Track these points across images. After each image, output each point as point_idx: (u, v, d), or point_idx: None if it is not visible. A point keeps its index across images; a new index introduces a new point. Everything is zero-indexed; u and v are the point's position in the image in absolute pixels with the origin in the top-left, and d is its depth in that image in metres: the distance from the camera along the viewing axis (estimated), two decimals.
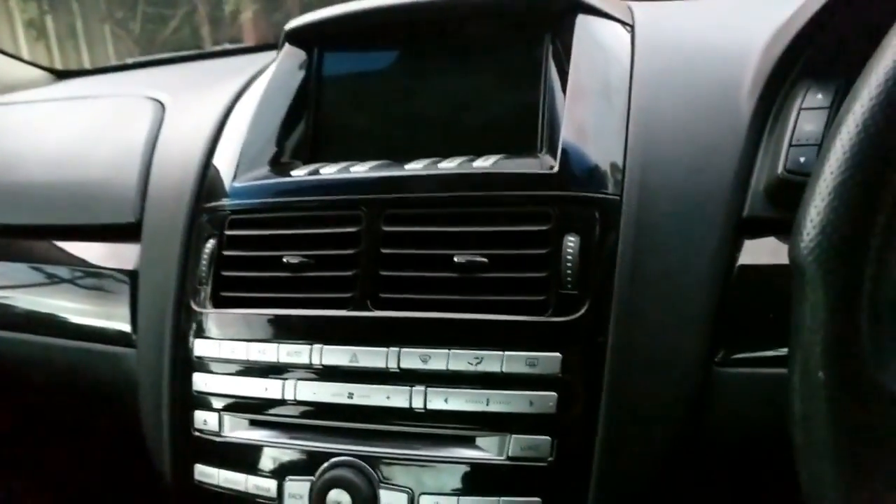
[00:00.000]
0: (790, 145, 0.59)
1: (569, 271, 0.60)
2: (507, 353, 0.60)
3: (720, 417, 0.60)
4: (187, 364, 0.71)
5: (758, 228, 0.60)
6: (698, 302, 0.60)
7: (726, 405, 0.60)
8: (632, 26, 0.72)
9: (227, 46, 1.30)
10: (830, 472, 0.40)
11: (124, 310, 0.80)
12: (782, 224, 0.54)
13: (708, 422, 0.61)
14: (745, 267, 0.60)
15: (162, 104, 0.91)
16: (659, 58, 0.69)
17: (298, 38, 0.80)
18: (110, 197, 0.84)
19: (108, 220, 0.84)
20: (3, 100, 1.14)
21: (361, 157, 0.73)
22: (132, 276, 0.80)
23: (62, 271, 0.87)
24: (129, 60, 1.34)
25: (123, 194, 0.82)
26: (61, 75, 1.34)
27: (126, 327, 0.80)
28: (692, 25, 0.75)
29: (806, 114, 0.59)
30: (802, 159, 0.58)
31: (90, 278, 0.85)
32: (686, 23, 0.75)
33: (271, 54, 0.86)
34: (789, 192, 0.57)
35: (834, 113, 0.58)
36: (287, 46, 0.81)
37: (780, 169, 0.59)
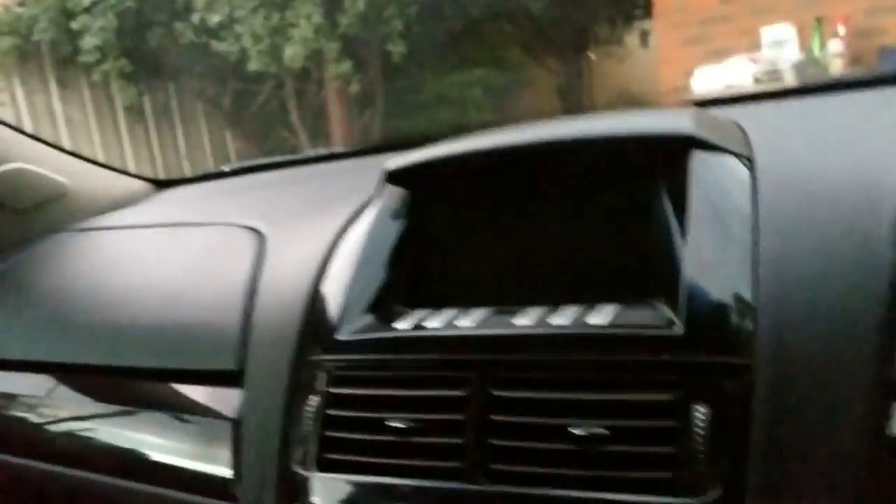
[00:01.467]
0: None
1: (699, 447, 0.56)
2: None
3: None
4: None
5: None
6: (843, 477, 0.54)
7: None
8: (749, 159, 0.68)
9: (321, 152, 1.31)
10: None
11: (226, 457, 0.79)
12: None
13: None
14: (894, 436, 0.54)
15: (262, 235, 0.91)
16: (784, 197, 0.64)
17: (398, 178, 0.79)
18: (212, 341, 0.83)
19: (210, 365, 0.83)
20: (108, 222, 1.17)
21: (464, 301, 0.70)
22: (235, 425, 0.79)
23: (163, 417, 0.87)
24: (226, 168, 1.38)
25: (225, 339, 0.82)
26: (161, 185, 1.38)
27: (228, 474, 0.78)
28: (815, 149, 0.69)
29: None
30: None
31: (191, 425, 0.84)
32: (808, 146, 0.70)
33: (364, 161, 0.85)
34: None
35: None
36: (388, 186, 0.79)
37: None
